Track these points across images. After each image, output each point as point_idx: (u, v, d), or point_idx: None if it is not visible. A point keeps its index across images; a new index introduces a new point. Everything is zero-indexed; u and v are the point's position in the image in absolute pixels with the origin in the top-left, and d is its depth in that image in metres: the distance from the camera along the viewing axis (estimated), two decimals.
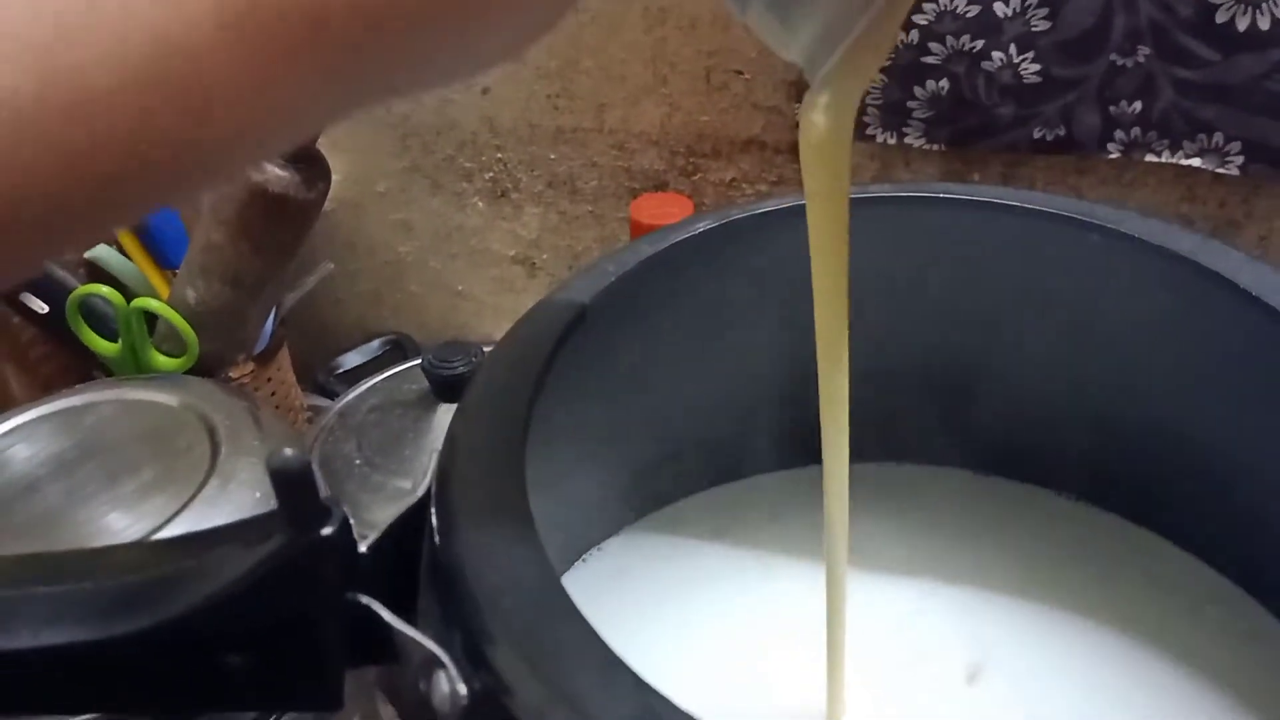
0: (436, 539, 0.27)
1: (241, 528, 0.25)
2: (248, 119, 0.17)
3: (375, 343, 0.75)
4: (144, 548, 0.28)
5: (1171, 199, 0.58)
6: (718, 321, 0.37)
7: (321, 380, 0.72)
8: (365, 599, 0.25)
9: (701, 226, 0.34)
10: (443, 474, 0.28)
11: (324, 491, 0.25)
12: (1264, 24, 0.52)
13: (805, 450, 0.44)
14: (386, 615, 0.25)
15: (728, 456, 0.42)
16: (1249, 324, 0.30)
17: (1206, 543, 0.36)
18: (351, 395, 0.69)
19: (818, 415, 0.42)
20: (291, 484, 0.24)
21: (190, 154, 0.17)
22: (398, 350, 0.75)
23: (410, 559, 0.27)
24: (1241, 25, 0.53)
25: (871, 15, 0.21)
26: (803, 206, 0.36)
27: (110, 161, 0.16)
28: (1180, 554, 0.37)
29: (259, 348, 0.66)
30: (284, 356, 0.68)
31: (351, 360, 0.74)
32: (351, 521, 0.25)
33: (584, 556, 0.40)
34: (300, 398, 0.71)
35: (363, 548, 0.26)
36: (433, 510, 0.27)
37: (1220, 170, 0.56)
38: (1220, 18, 0.53)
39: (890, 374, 0.39)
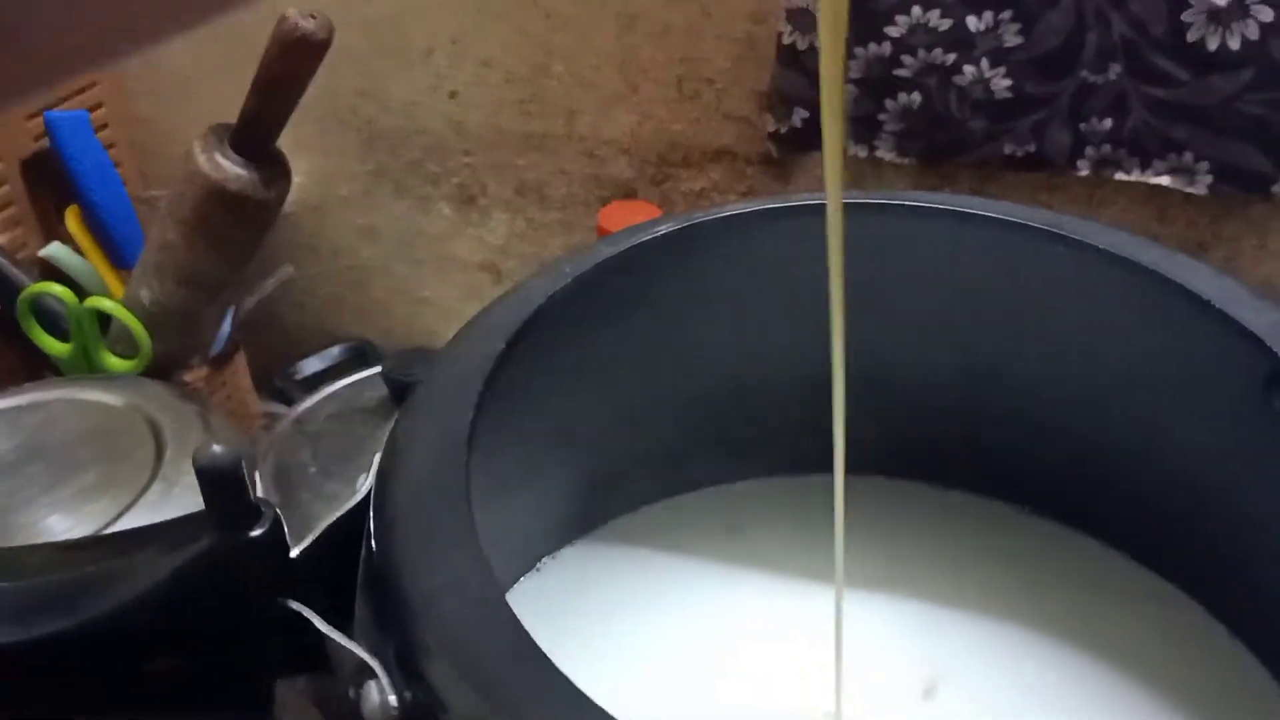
0: (373, 543, 0.26)
1: (169, 528, 0.24)
2: None
3: (336, 349, 0.73)
4: (67, 547, 0.26)
5: (1140, 218, 0.57)
6: (678, 327, 0.37)
7: (280, 386, 0.71)
8: (296, 605, 0.24)
9: (663, 230, 0.34)
10: (383, 476, 0.27)
11: (257, 491, 0.24)
12: (1234, 44, 0.52)
13: (764, 461, 0.43)
14: (318, 622, 0.24)
15: (687, 466, 0.42)
16: (1211, 336, 0.29)
17: (1167, 557, 0.35)
18: (309, 402, 0.68)
19: (777, 425, 0.41)
20: (220, 482, 0.23)
21: None
22: (359, 357, 0.73)
23: (348, 564, 0.26)
24: (1212, 45, 0.52)
25: None
26: (768, 210, 0.35)
27: None
28: (1138, 568, 0.36)
29: (215, 351, 0.64)
30: (240, 360, 0.67)
31: (311, 366, 0.72)
32: (285, 523, 0.24)
33: (538, 565, 0.39)
34: (256, 403, 0.70)
35: (295, 551, 0.25)
36: (370, 513, 0.26)
37: (1189, 190, 0.55)
38: (1191, 37, 0.53)
39: (850, 386, 0.38)
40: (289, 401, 0.69)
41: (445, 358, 0.29)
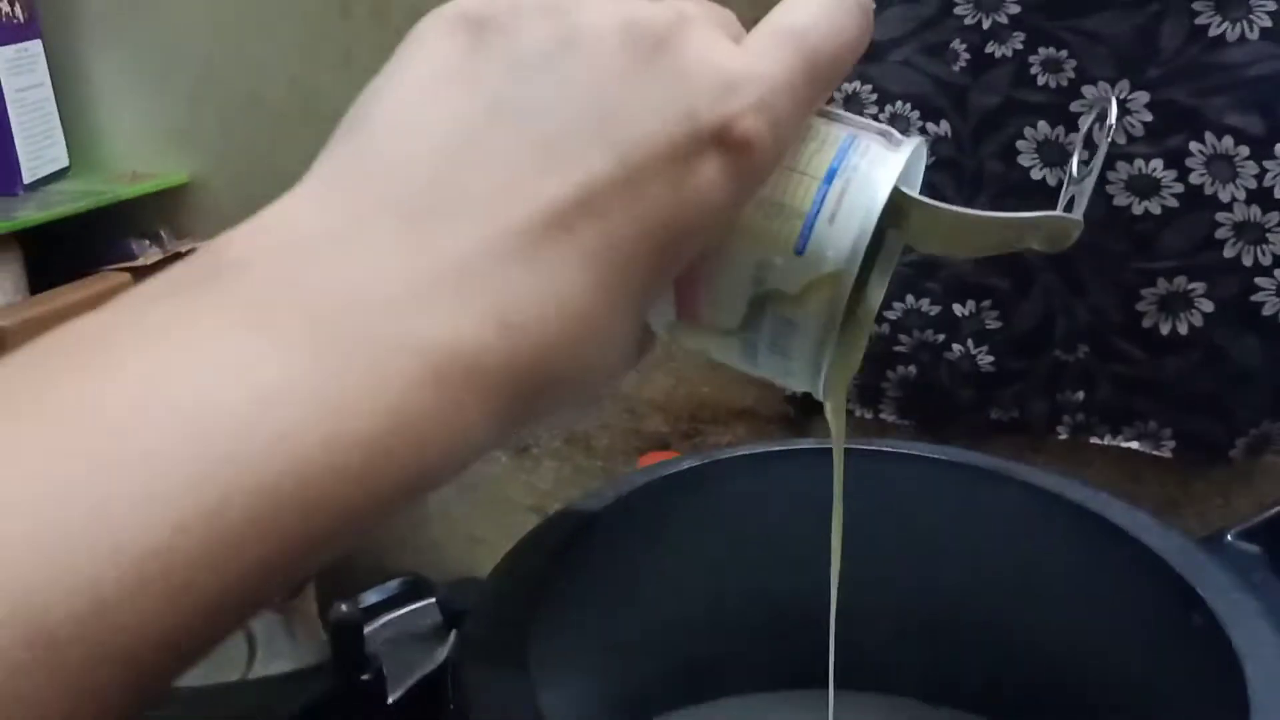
0: (451, 705, 0.33)
1: (302, 672, 0.31)
2: (446, 469, 0.21)
3: (394, 582, 0.80)
4: (219, 689, 0.33)
5: (1117, 478, 0.65)
6: (699, 551, 0.44)
7: (342, 615, 0.77)
8: None
9: (685, 464, 0.42)
10: (460, 650, 0.34)
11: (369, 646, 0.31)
12: (1183, 330, 0.61)
13: (782, 675, 0.49)
14: None
15: (712, 678, 0.47)
16: (1127, 560, 0.36)
17: None
18: (368, 629, 0.74)
19: (787, 641, 0.47)
20: (344, 634, 0.30)
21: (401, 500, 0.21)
22: (414, 590, 0.80)
23: (432, 713, 0.33)
24: (1164, 330, 0.62)
25: (838, 315, 0.27)
26: (772, 452, 0.43)
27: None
28: None
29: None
30: (309, 591, 0.74)
31: (370, 597, 0.79)
32: (385, 674, 0.31)
33: None
34: (320, 632, 0.76)
35: (392, 699, 0.32)
36: (450, 678, 0.33)
37: (1156, 453, 0.63)
38: (1146, 324, 0.62)
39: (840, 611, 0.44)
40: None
41: (507, 562, 0.37)
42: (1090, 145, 0.36)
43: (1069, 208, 0.31)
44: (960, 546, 0.41)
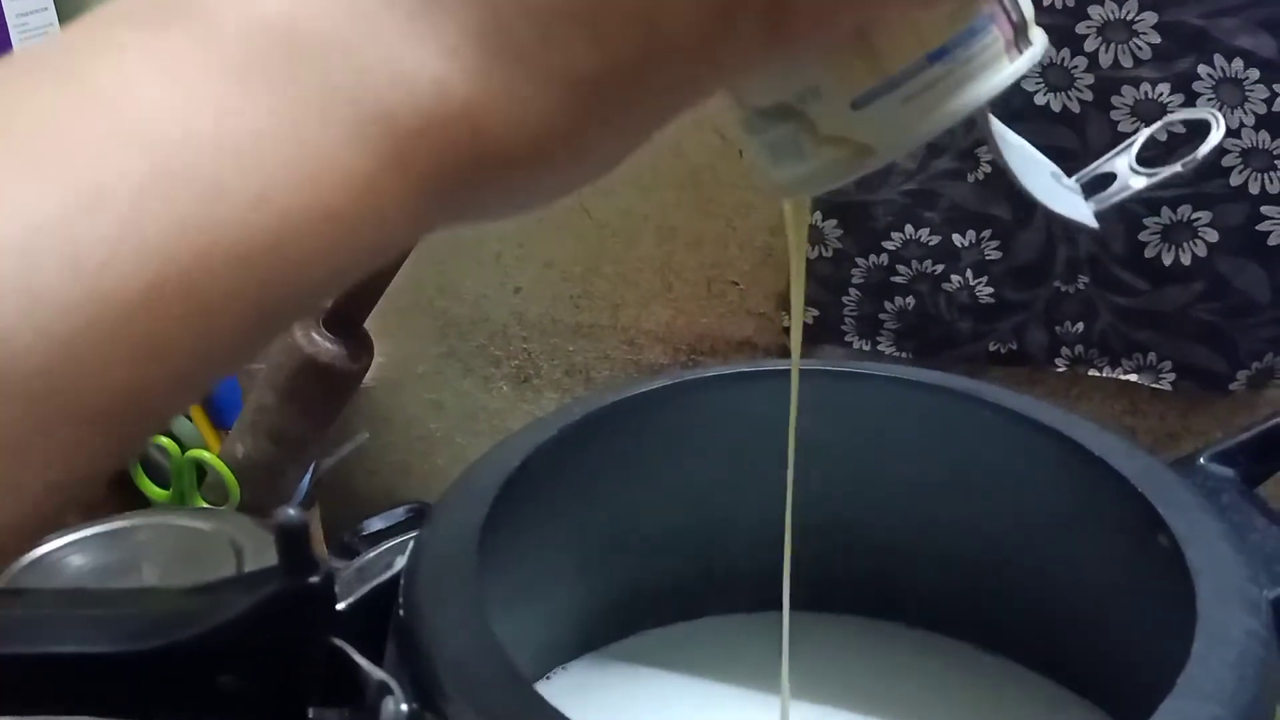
0: (401, 611, 0.33)
1: (249, 575, 0.31)
2: (393, 250, 0.21)
3: (400, 510, 0.81)
4: (174, 591, 0.34)
5: (1115, 411, 0.64)
6: (666, 469, 0.44)
7: (347, 541, 0.78)
8: (339, 641, 0.31)
9: (657, 384, 0.42)
10: (413, 558, 0.34)
11: (316, 551, 0.31)
12: (1185, 260, 0.60)
13: (748, 598, 0.49)
14: (353, 653, 0.31)
15: (681, 598, 0.48)
16: (1095, 480, 0.36)
17: (1073, 672, 0.40)
18: (371, 554, 0.76)
19: (753, 565, 0.47)
20: (290, 538, 0.30)
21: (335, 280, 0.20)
22: (420, 518, 0.81)
23: (380, 619, 0.33)
24: (1167, 261, 0.60)
25: (841, 183, 0.26)
26: (746, 373, 0.43)
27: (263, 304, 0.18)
28: (1054, 686, 0.41)
29: (293, 504, 0.73)
30: (314, 515, 0.75)
31: (376, 524, 0.80)
32: (334, 576, 0.32)
33: (549, 675, 0.45)
34: (324, 555, 0.77)
35: (342, 605, 0.32)
36: (402, 585, 0.34)
37: (1155, 386, 0.62)
38: (1149, 253, 0.61)
39: (809, 531, 0.44)
40: (354, 555, 0.77)
41: (471, 471, 0.37)
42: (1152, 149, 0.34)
43: (1101, 186, 0.31)
44: (927, 467, 0.41)
